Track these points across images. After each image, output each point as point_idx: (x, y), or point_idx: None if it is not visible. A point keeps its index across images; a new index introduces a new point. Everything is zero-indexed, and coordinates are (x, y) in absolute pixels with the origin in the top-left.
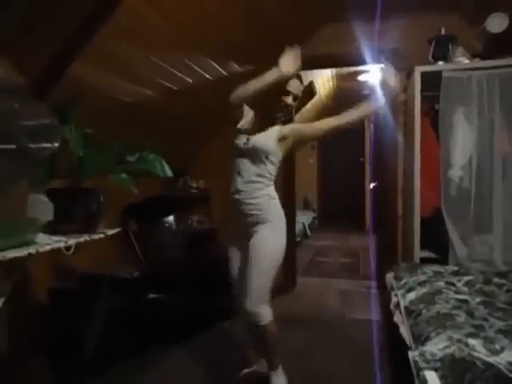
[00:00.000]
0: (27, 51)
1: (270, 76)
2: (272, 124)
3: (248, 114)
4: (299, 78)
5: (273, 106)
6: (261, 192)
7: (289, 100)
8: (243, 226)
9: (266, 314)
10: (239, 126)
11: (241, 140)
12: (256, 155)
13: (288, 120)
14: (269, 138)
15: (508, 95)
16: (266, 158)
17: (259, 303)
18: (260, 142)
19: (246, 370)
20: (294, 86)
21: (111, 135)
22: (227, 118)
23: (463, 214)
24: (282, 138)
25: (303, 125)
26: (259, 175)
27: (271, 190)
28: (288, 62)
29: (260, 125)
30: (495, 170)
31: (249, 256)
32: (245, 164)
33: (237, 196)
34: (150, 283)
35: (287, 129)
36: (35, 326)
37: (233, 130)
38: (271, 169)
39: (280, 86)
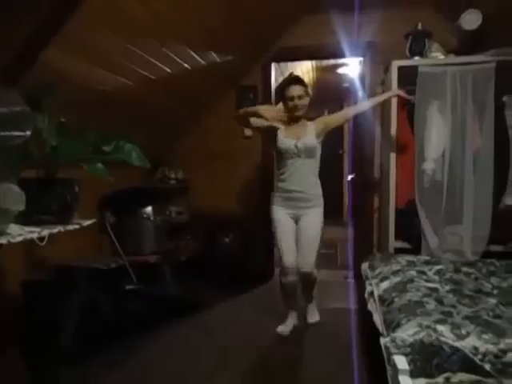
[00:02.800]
0: None
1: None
2: (295, 121)
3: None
4: (297, 82)
5: (289, 110)
6: (314, 184)
7: (295, 102)
8: (296, 207)
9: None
10: (276, 126)
11: (287, 143)
12: (305, 154)
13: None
14: (312, 137)
15: (480, 91)
16: (314, 155)
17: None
18: (309, 143)
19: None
20: (295, 91)
21: (87, 125)
22: (205, 108)
23: (435, 205)
24: (319, 133)
25: (329, 117)
26: (312, 171)
27: (318, 180)
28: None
29: (289, 125)
30: (467, 163)
31: (303, 231)
32: (296, 163)
33: (294, 193)
34: (126, 274)
35: (320, 124)
36: (9, 318)
37: (269, 135)
38: (317, 162)
39: (286, 95)
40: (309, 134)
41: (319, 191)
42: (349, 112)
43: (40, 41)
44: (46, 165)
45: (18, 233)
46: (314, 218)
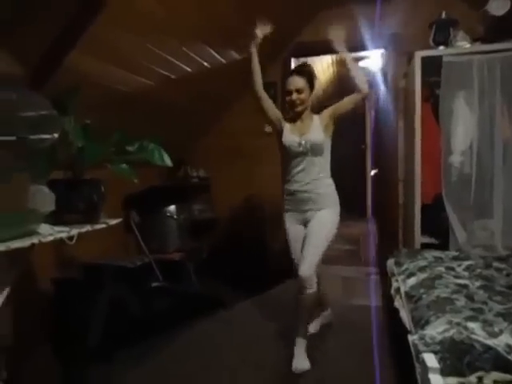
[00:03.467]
0: (24, 42)
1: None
2: (298, 117)
3: (281, 119)
4: (298, 73)
5: (288, 105)
6: (324, 183)
7: (293, 96)
8: (305, 210)
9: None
10: (283, 124)
11: (290, 140)
12: (311, 151)
13: (305, 108)
14: (319, 133)
15: (509, 79)
16: (322, 152)
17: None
18: (314, 139)
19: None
20: (293, 83)
21: (110, 125)
22: (225, 106)
23: (464, 199)
24: (326, 127)
25: (333, 107)
26: (321, 169)
27: (329, 178)
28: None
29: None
30: (496, 155)
31: (309, 233)
32: (303, 162)
33: (301, 194)
34: (152, 272)
35: (326, 117)
36: (39, 316)
37: (276, 131)
38: (327, 158)
39: (285, 89)
40: (314, 130)
41: (330, 190)
42: (353, 96)
43: (65, 45)
44: (73, 166)
45: (49, 232)
46: (323, 219)
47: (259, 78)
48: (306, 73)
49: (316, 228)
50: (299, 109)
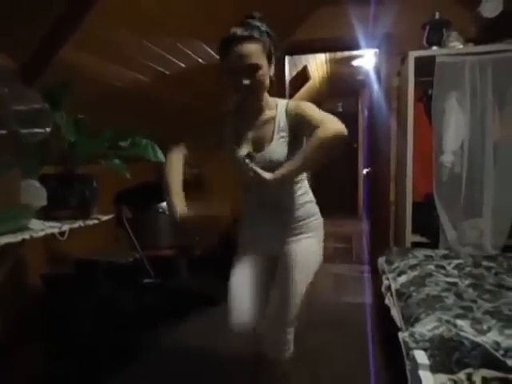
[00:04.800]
0: (15, 36)
1: None
2: (254, 115)
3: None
4: (244, 38)
5: (238, 94)
6: (302, 209)
7: (245, 81)
8: (272, 238)
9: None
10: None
11: (238, 158)
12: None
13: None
14: (281, 144)
15: (500, 81)
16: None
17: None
18: (275, 155)
19: None
20: (244, 49)
21: (103, 121)
22: (220, 103)
23: (454, 198)
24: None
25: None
26: (294, 194)
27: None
28: None
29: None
30: (487, 155)
31: (282, 271)
32: (261, 195)
33: (266, 222)
34: (143, 268)
35: (292, 117)
36: (29, 312)
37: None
38: None
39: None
40: (278, 141)
41: (308, 208)
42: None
43: (57, 39)
44: (65, 161)
45: (40, 228)
46: (304, 249)
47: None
48: (299, 71)
49: (296, 262)
50: (255, 95)
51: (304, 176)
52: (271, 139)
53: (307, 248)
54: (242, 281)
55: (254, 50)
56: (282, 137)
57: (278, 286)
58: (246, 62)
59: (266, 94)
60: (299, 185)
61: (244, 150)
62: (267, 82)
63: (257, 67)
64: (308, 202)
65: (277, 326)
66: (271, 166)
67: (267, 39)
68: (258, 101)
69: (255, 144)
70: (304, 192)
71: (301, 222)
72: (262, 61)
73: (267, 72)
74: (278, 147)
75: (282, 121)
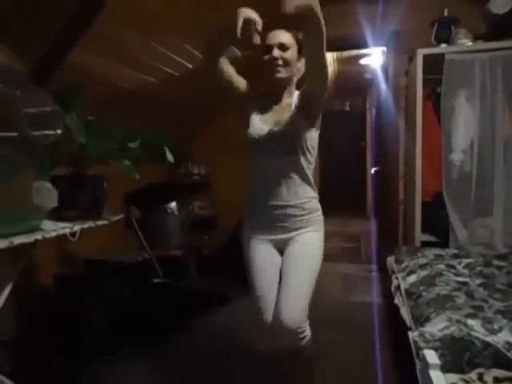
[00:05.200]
0: (27, 38)
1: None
2: (277, 95)
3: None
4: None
5: (266, 74)
6: (307, 196)
7: (274, 53)
8: (281, 231)
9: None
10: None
11: (256, 128)
12: (288, 148)
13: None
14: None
15: (510, 78)
16: (297, 147)
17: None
18: (290, 129)
19: None
20: (276, 34)
21: (113, 122)
22: (227, 103)
23: (464, 197)
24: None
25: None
26: (300, 174)
27: (311, 188)
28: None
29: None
30: (497, 153)
31: (291, 263)
32: (276, 163)
33: (278, 212)
34: (153, 268)
35: (304, 100)
36: (41, 311)
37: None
38: (311, 157)
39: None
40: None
41: (316, 206)
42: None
43: (67, 41)
44: (76, 162)
45: (52, 228)
46: (309, 243)
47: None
48: (297, 28)
49: (302, 256)
50: (283, 74)
51: (310, 173)
52: (289, 119)
53: (313, 241)
54: (262, 270)
55: (284, 33)
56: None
57: (290, 273)
58: (277, 40)
59: (292, 85)
60: (307, 180)
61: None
62: (295, 68)
63: (286, 46)
64: (314, 198)
65: (293, 304)
66: (282, 136)
67: (298, 32)
68: (285, 84)
69: (276, 122)
70: (310, 188)
71: (307, 216)
72: (292, 45)
73: (295, 57)
74: (294, 124)
75: (294, 104)
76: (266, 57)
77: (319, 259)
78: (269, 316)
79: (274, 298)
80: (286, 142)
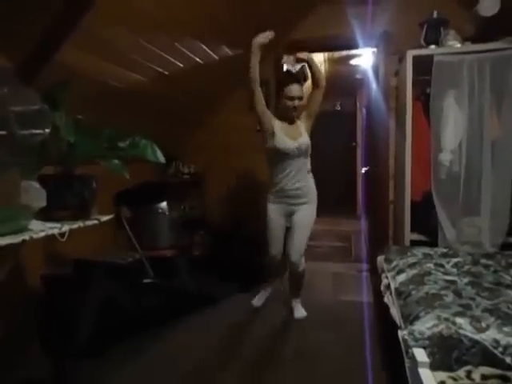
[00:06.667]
0: (13, 36)
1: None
2: (291, 122)
3: (271, 118)
4: (298, 81)
5: (285, 110)
6: (310, 181)
7: (295, 103)
8: (292, 204)
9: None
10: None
11: (287, 144)
12: (304, 153)
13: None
14: (306, 136)
15: (498, 79)
16: (308, 152)
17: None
18: (306, 143)
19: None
20: (294, 91)
21: (102, 121)
22: (218, 102)
23: (452, 197)
24: (309, 130)
25: (308, 109)
26: (307, 168)
27: (311, 175)
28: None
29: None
30: (485, 153)
31: (297, 224)
32: (296, 163)
33: (293, 192)
34: (143, 268)
35: (307, 120)
36: (29, 313)
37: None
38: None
39: (285, 95)
40: (304, 134)
41: (313, 186)
42: (318, 92)
43: (55, 39)
44: (64, 162)
45: (40, 228)
46: (308, 212)
47: (257, 75)
48: (302, 79)
49: (304, 220)
50: (297, 114)
51: (309, 161)
52: (301, 134)
53: (312, 211)
54: (276, 227)
55: (299, 89)
56: (305, 132)
57: (296, 231)
58: (297, 94)
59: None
60: (308, 166)
61: (289, 139)
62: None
63: (301, 98)
64: (312, 183)
65: (297, 249)
66: (306, 148)
67: (304, 81)
68: (297, 115)
69: (293, 137)
70: (310, 176)
71: (308, 195)
72: (303, 95)
73: (303, 102)
74: (305, 138)
75: (300, 123)
76: (289, 104)
77: (313, 221)
78: (273, 250)
79: (280, 242)
80: (303, 150)
